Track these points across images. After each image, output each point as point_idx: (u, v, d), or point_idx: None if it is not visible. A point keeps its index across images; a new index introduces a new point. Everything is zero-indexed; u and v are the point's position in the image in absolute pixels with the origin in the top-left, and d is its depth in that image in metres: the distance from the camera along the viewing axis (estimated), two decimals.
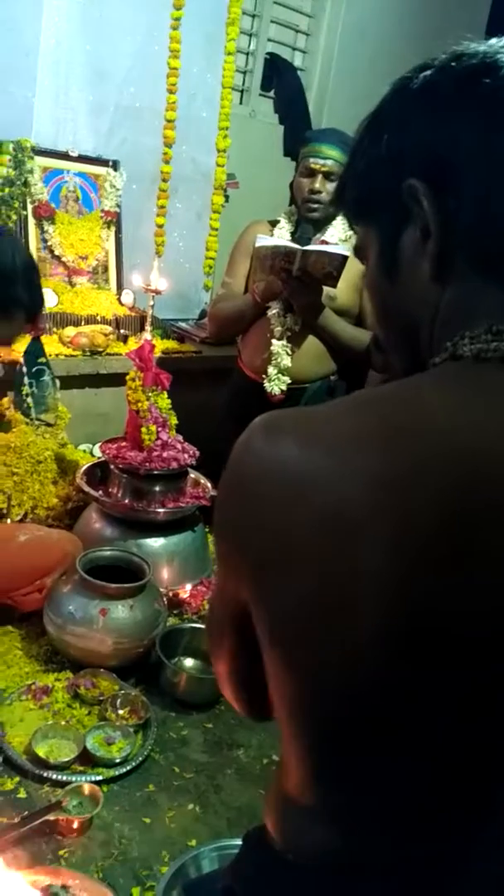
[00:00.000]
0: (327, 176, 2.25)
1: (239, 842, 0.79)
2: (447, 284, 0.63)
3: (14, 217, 2.71)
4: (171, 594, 1.86)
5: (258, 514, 0.59)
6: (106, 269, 3.03)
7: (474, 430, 0.55)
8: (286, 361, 2.25)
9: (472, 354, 0.58)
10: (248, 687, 0.75)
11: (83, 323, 2.73)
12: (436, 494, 0.53)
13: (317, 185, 2.25)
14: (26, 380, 2.12)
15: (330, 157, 2.22)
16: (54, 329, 2.66)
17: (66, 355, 2.56)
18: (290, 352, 2.25)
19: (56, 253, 2.85)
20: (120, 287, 3.03)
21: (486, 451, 0.54)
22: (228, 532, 0.65)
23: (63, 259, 2.87)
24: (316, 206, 2.27)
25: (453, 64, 0.62)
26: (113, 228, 3.02)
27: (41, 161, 2.79)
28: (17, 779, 1.32)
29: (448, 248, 0.62)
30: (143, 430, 1.91)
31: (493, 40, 0.63)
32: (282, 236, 2.33)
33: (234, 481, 0.62)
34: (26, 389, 2.12)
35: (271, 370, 2.26)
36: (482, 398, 0.57)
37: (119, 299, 2.96)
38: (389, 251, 0.67)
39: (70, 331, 2.64)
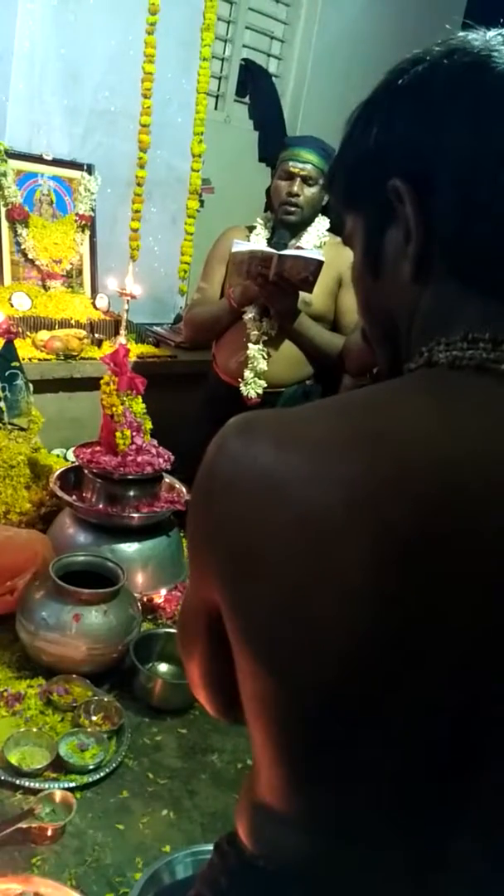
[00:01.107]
0: (305, 180, 2.26)
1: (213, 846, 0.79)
2: (426, 288, 0.62)
3: None
4: (145, 599, 1.85)
5: (231, 516, 0.59)
6: (80, 272, 3.02)
7: (450, 437, 0.54)
8: (262, 365, 2.26)
9: (447, 362, 0.58)
10: (221, 690, 0.75)
11: (57, 327, 2.72)
12: (414, 501, 0.53)
13: (295, 189, 2.26)
14: None
15: (309, 162, 2.24)
16: (28, 333, 2.65)
17: (39, 359, 2.55)
18: (266, 356, 2.26)
19: (30, 256, 2.84)
20: (94, 291, 3.02)
21: (461, 458, 0.54)
22: (201, 533, 0.64)
23: (37, 262, 2.86)
24: (293, 209, 2.28)
25: (446, 61, 0.61)
26: (87, 232, 3.01)
27: (15, 164, 2.78)
28: None
29: (428, 251, 0.61)
30: (118, 434, 1.90)
31: (491, 33, 0.61)
32: (258, 242, 2.34)
33: (208, 481, 0.62)
34: None
35: (247, 374, 2.27)
36: (456, 406, 0.56)
37: (93, 303, 2.95)
38: (373, 247, 0.66)
39: (44, 335, 2.62)
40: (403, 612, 0.53)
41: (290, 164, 2.26)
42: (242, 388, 2.27)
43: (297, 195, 2.27)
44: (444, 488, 0.53)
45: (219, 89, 3.79)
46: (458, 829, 0.60)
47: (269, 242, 2.32)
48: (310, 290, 2.13)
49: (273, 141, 3.35)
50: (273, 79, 3.90)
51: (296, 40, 3.96)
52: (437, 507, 0.53)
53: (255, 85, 3.82)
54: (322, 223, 2.36)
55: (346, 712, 0.57)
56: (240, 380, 2.28)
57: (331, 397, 0.62)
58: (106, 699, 1.51)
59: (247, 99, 3.86)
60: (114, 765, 1.38)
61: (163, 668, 1.71)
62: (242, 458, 0.59)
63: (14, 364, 2.14)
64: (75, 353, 2.61)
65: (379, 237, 0.65)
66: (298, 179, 2.26)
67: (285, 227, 2.33)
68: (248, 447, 0.59)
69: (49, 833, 1.22)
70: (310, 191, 2.28)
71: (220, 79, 3.78)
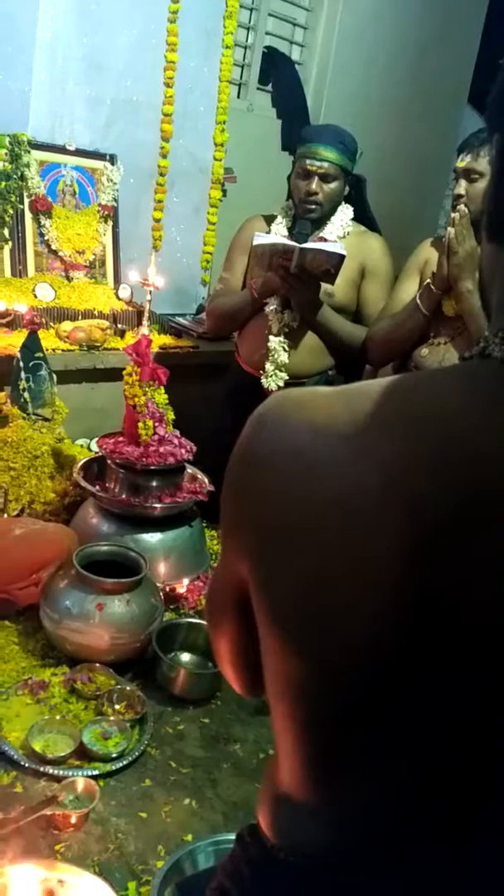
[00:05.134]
0: (323, 178, 2.23)
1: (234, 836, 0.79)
2: (499, 261, 0.60)
3: (10, 211, 2.71)
4: (167, 589, 1.86)
5: (266, 490, 0.59)
6: (103, 263, 3.03)
7: (492, 432, 0.54)
8: (283, 357, 2.25)
9: (500, 357, 0.57)
10: (248, 665, 0.75)
11: (80, 318, 2.73)
12: (446, 489, 0.53)
13: (313, 187, 2.24)
14: (23, 374, 2.12)
15: (326, 160, 2.21)
16: (51, 324, 2.66)
17: (63, 350, 2.56)
18: (287, 348, 2.25)
19: (53, 247, 2.85)
20: (117, 282, 3.03)
21: (500, 452, 0.53)
22: (234, 505, 0.64)
23: (60, 253, 2.87)
24: (313, 207, 2.26)
25: None
26: (110, 223, 3.01)
27: (38, 155, 2.79)
28: (13, 774, 1.32)
29: (495, 218, 0.60)
30: (140, 425, 1.91)
31: None
32: (279, 232, 2.32)
33: (245, 454, 0.62)
34: (23, 384, 2.11)
35: (268, 366, 2.26)
36: (502, 402, 0.55)
37: (116, 294, 2.95)
38: (486, 201, 0.63)
39: (67, 325, 2.63)
40: (431, 592, 0.53)
41: (308, 162, 2.22)
42: (263, 380, 2.26)
43: (316, 193, 2.24)
44: (476, 479, 0.53)
45: (241, 77, 3.77)
46: (483, 815, 0.59)
47: (290, 232, 2.30)
48: (331, 282, 2.11)
49: (296, 129, 3.32)
50: (296, 66, 3.87)
51: (319, 27, 3.92)
52: (467, 497, 0.53)
53: (277, 73, 3.80)
54: (346, 213, 2.34)
55: (373, 693, 0.57)
56: (261, 371, 2.27)
57: (375, 380, 0.61)
58: (129, 688, 1.52)
59: (269, 87, 3.84)
60: (136, 753, 1.40)
61: (185, 657, 1.72)
62: (279, 435, 0.59)
63: (38, 355, 2.15)
64: (98, 344, 2.62)
65: (490, 190, 0.62)
66: (316, 178, 2.23)
67: (306, 219, 2.31)
68: (287, 423, 0.59)
69: (72, 820, 1.23)
70: (328, 187, 2.25)
71: (242, 67, 3.76)
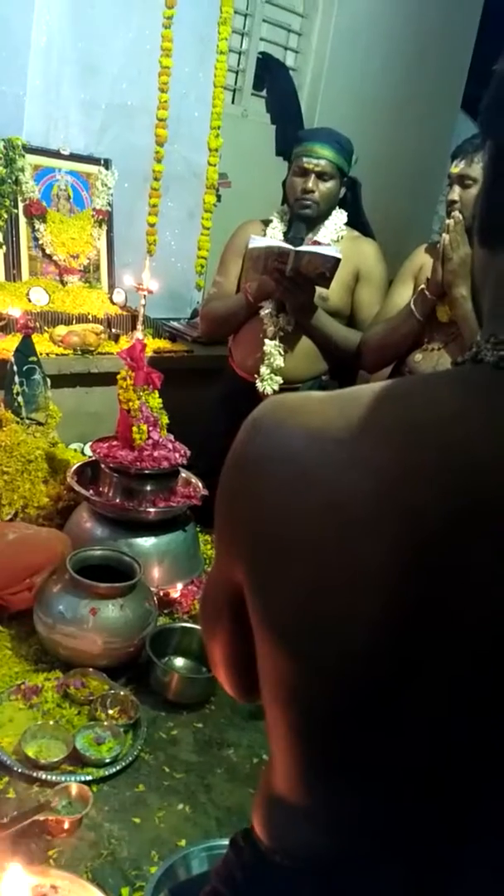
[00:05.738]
0: (320, 175, 2.24)
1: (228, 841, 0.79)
2: (492, 265, 0.60)
3: (5, 215, 2.71)
4: (161, 594, 1.85)
5: (260, 496, 0.59)
6: (97, 267, 3.02)
7: (488, 437, 0.54)
8: (278, 361, 2.25)
9: (493, 361, 0.57)
10: (241, 670, 0.75)
11: (74, 322, 2.72)
12: (444, 497, 0.53)
13: (309, 185, 2.25)
14: (17, 378, 2.11)
15: (323, 157, 2.22)
16: (45, 328, 2.65)
17: (57, 354, 2.56)
18: (282, 352, 2.26)
19: (47, 252, 2.85)
20: (111, 286, 3.03)
21: (496, 459, 0.53)
22: (228, 510, 0.64)
23: (54, 258, 2.87)
24: (308, 203, 2.27)
25: None
26: (104, 227, 3.01)
27: (32, 159, 2.79)
28: (6, 779, 1.31)
29: (492, 223, 0.59)
30: (134, 429, 1.91)
31: None
32: (274, 236, 2.33)
33: (239, 460, 0.62)
34: (17, 388, 2.11)
35: (264, 370, 2.26)
36: (496, 406, 0.55)
37: (110, 298, 2.95)
38: (477, 205, 0.63)
39: (61, 330, 2.63)
40: (428, 599, 0.53)
41: (305, 160, 2.24)
42: (258, 384, 2.26)
43: (312, 191, 2.25)
44: (473, 486, 0.53)
45: (236, 83, 3.78)
46: (475, 821, 0.59)
47: (286, 236, 2.31)
48: (326, 286, 2.12)
49: (291, 134, 3.33)
50: (290, 72, 3.88)
51: (313, 33, 3.94)
52: (464, 504, 0.53)
53: (272, 78, 3.80)
54: (339, 217, 2.34)
55: (368, 698, 0.57)
56: (256, 375, 2.28)
57: (368, 385, 0.61)
58: (122, 693, 1.51)
59: (264, 92, 3.84)
60: (130, 758, 1.39)
61: (179, 662, 1.71)
62: (273, 440, 0.59)
63: (32, 359, 2.14)
64: (92, 348, 2.62)
65: (482, 195, 0.62)
66: (313, 175, 2.24)
67: (301, 220, 2.31)
68: (282, 428, 0.59)
69: (65, 826, 1.22)
70: (325, 186, 2.26)
71: (237, 72, 3.76)
